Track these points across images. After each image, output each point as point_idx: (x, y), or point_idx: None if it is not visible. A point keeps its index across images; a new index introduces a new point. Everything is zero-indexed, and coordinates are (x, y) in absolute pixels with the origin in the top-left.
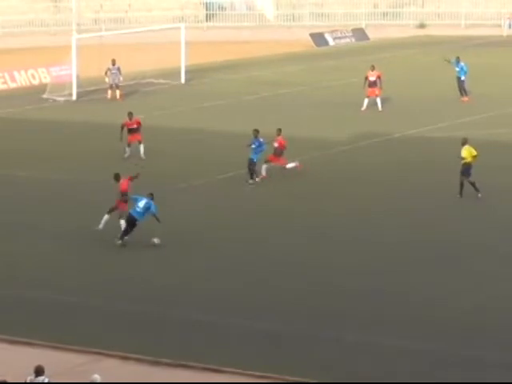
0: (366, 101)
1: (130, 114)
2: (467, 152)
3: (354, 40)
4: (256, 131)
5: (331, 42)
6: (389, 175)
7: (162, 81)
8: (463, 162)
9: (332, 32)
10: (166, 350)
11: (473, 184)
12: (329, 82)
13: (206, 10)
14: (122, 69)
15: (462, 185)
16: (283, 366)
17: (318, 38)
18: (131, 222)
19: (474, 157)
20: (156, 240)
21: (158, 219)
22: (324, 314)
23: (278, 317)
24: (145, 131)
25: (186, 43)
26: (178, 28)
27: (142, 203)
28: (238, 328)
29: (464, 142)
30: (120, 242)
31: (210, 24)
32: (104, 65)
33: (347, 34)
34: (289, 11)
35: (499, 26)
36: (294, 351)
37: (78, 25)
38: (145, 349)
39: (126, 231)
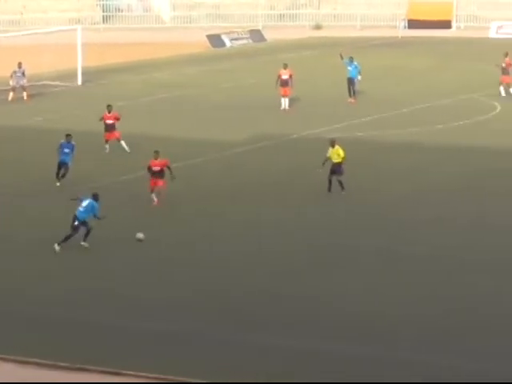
0: (282, 100)
1: (109, 107)
2: (334, 153)
3: (251, 41)
4: (69, 136)
5: (228, 44)
6: (280, 176)
7: (58, 83)
8: (334, 161)
9: (229, 33)
10: (66, 353)
11: (340, 182)
12: (226, 84)
13: (103, 11)
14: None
15: (330, 182)
16: (183, 367)
17: (215, 40)
18: (74, 223)
19: (343, 158)
20: (140, 235)
21: (98, 218)
22: (222, 315)
23: (179, 319)
24: (40, 135)
25: (83, 45)
26: (75, 30)
27: (85, 203)
28: (140, 330)
29: (332, 144)
30: (58, 247)
31: (107, 26)
32: (0, 67)
33: (244, 36)
34: (185, 13)
35: (394, 27)
36: (192, 353)
37: None
38: (44, 352)
39: (69, 237)
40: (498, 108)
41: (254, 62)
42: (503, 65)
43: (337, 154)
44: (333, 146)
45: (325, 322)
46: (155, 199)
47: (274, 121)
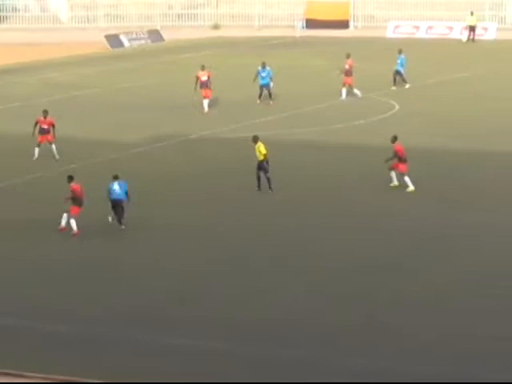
0: (204, 102)
1: (45, 112)
2: (256, 150)
3: (149, 41)
4: None
5: (126, 44)
6: (182, 176)
7: None
8: (259, 159)
9: (127, 33)
10: None
11: (268, 179)
12: (125, 84)
13: None
14: None
15: (258, 179)
16: (83, 368)
17: (113, 40)
18: (118, 206)
19: (264, 155)
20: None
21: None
22: (125, 316)
23: (76, 320)
24: None
25: None
26: None
27: (116, 185)
28: (38, 331)
29: (255, 140)
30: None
31: (3, 26)
32: None
33: (142, 36)
34: (83, 13)
35: (292, 27)
36: (94, 353)
37: None
38: None
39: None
40: (396, 107)
41: (152, 62)
42: (346, 66)
43: (258, 151)
44: (255, 143)
45: (239, 324)
46: (74, 229)
47: (172, 121)
